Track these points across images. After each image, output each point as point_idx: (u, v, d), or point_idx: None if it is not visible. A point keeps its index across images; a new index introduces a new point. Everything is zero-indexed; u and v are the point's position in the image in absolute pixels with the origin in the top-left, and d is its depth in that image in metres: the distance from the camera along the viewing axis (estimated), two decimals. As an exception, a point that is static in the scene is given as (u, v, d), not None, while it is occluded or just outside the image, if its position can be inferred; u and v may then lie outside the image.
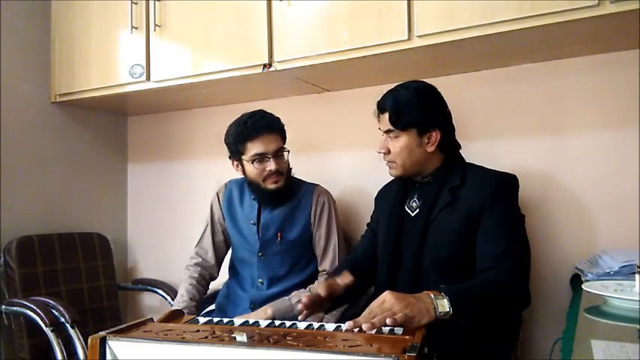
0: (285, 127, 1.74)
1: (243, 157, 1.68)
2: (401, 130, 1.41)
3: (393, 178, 1.64)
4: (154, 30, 2.03)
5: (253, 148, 1.65)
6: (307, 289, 1.69)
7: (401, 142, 1.41)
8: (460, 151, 1.52)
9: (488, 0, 1.46)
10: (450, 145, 1.47)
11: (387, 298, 1.10)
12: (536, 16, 1.40)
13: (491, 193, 1.34)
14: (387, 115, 1.42)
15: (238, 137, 1.66)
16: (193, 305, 1.73)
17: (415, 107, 1.40)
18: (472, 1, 1.48)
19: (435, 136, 1.42)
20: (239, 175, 1.79)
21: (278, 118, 1.73)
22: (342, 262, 1.67)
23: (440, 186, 1.42)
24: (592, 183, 1.71)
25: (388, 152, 1.45)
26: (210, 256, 1.86)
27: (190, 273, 1.84)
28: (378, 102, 1.47)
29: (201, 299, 1.83)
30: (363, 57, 1.67)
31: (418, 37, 1.57)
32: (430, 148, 1.42)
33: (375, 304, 1.10)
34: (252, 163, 1.66)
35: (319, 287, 1.32)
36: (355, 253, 1.65)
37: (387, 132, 1.43)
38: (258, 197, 1.76)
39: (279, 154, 1.69)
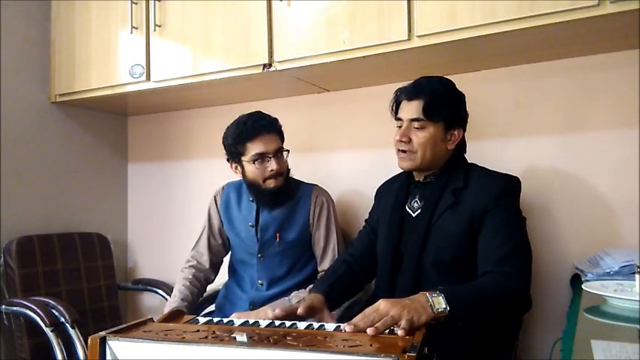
0: (282, 128, 1.74)
1: (243, 158, 1.68)
2: (431, 120, 1.38)
3: (392, 175, 1.64)
4: (154, 30, 2.03)
5: (254, 148, 1.65)
6: (307, 289, 1.69)
7: (426, 133, 1.39)
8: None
9: (489, 0, 1.46)
10: (463, 147, 1.48)
11: (381, 305, 1.09)
12: (536, 16, 1.40)
13: (495, 195, 1.34)
14: (416, 103, 1.39)
15: (238, 138, 1.66)
16: (184, 306, 1.73)
17: (448, 102, 1.40)
18: (472, 1, 1.48)
19: (457, 134, 1.42)
20: (237, 177, 1.79)
21: (276, 118, 1.73)
22: (338, 260, 1.66)
23: (442, 187, 1.41)
24: (592, 183, 1.70)
25: (409, 141, 1.40)
26: (206, 260, 1.86)
27: (184, 275, 1.84)
28: (408, 88, 1.43)
29: (195, 301, 1.82)
30: (363, 57, 1.67)
31: (418, 37, 1.57)
32: (451, 146, 1.42)
33: (369, 310, 1.09)
34: (254, 163, 1.66)
35: (300, 307, 1.27)
36: (353, 249, 1.64)
37: (413, 120, 1.39)
38: (257, 198, 1.75)
39: (278, 154, 1.69)
